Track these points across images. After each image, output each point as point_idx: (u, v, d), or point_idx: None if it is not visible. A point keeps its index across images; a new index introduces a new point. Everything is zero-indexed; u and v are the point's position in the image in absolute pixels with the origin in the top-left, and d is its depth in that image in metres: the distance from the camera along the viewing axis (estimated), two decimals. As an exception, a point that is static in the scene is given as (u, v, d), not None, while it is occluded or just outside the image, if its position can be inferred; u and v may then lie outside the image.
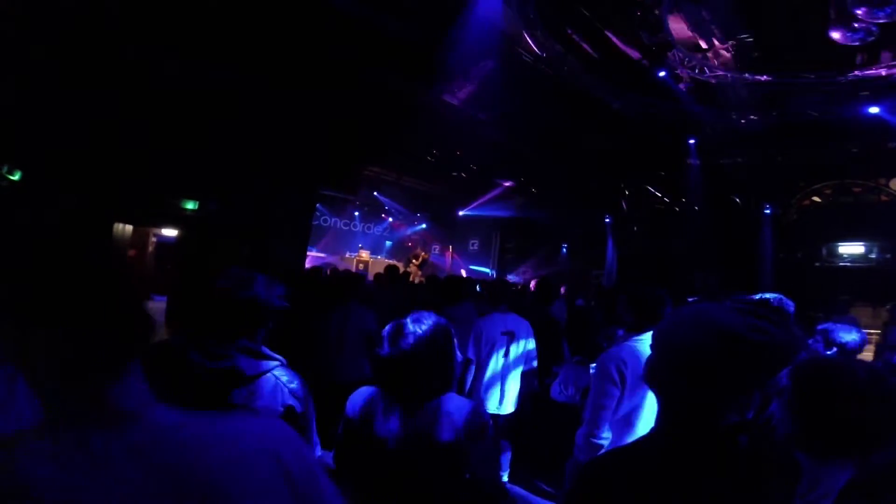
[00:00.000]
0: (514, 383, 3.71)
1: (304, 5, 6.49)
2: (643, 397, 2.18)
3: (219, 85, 6.85)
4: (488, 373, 3.62)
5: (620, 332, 2.89)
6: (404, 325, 1.61)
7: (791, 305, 2.52)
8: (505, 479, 3.81)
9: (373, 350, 3.45)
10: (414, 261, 12.96)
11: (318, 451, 1.72)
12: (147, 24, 5.86)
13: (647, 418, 2.18)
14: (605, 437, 2.15)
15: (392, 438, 1.56)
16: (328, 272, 6.44)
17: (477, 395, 3.61)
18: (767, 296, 2.50)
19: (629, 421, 2.19)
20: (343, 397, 1.74)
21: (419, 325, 1.60)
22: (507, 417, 3.75)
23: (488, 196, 14.73)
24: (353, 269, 12.08)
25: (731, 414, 0.95)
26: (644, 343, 2.24)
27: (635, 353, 2.21)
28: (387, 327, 1.65)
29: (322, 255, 13.68)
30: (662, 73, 8.37)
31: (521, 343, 3.73)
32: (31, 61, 5.41)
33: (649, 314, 2.30)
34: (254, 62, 6.75)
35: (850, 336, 2.50)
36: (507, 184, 14.37)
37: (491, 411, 3.62)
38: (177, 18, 5.95)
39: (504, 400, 3.67)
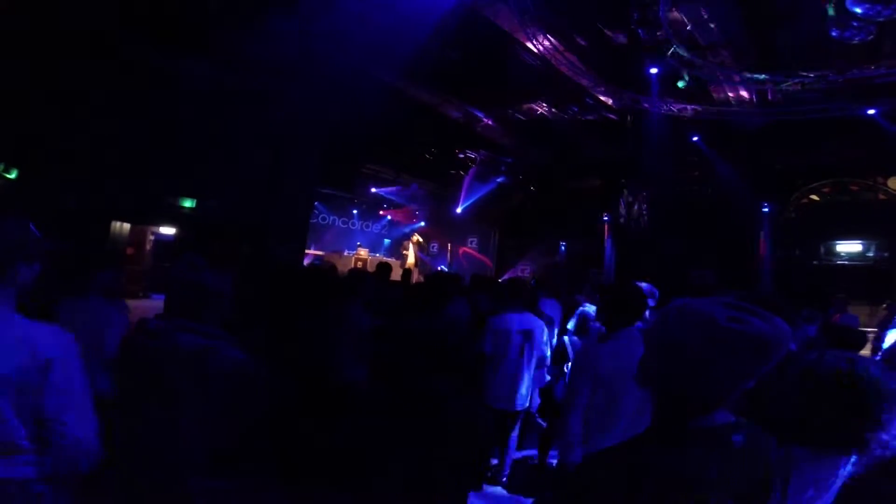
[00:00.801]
0: (527, 381, 3.76)
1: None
2: (620, 396, 2.17)
3: (217, 83, 6.84)
4: (503, 370, 3.66)
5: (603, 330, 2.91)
6: (407, 324, 1.63)
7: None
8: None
9: (366, 350, 3.45)
10: (404, 252, 12.89)
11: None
12: (145, 22, 5.84)
13: (625, 417, 2.16)
14: (575, 434, 2.15)
15: (393, 438, 1.57)
16: (327, 269, 6.42)
17: (491, 391, 3.66)
18: None
19: (607, 420, 2.18)
20: (340, 398, 1.75)
21: (422, 324, 1.63)
22: (516, 415, 3.79)
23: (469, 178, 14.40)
24: (352, 267, 12.07)
25: (724, 413, 0.95)
26: (622, 341, 2.24)
27: (612, 351, 2.21)
28: (392, 325, 1.67)
29: (320, 252, 13.68)
30: (654, 70, 8.36)
31: (536, 342, 3.77)
32: (28, 60, 5.40)
33: (625, 312, 2.30)
34: (253, 61, 6.74)
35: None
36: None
37: (503, 408, 3.68)
38: (176, 17, 5.93)
39: (517, 397, 3.72)
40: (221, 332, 1.67)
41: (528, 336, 3.73)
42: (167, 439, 1.58)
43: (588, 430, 2.19)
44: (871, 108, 8.56)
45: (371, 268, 12.39)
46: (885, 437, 1.17)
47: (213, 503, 1.63)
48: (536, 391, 3.99)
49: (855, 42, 6.81)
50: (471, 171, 14.02)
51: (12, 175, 5.98)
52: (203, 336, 1.63)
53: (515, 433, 3.87)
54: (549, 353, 3.97)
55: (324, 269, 6.34)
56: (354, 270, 6.89)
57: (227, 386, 1.60)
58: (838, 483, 1.17)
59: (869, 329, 6.51)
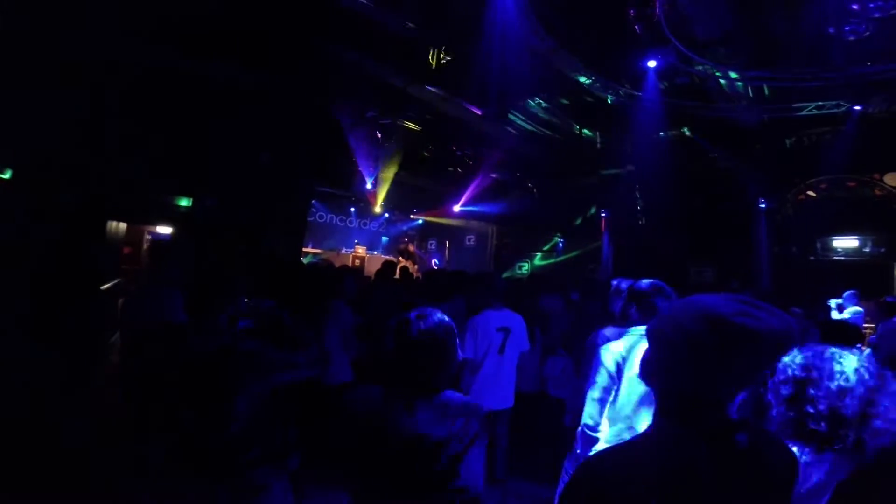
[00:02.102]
0: (510, 379, 3.72)
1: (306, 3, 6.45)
2: (639, 391, 2.16)
3: (214, 81, 6.79)
4: (485, 369, 3.61)
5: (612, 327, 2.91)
6: (409, 321, 1.60)
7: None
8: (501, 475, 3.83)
9: (351, 348, 3.49)
10: (402, 258, 12.90)
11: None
12: (142, 20, 5.79)
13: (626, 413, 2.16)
14: (601, 431, 2.15)
15: (391, 435, 1.56)
16: (324, 267, 6.38)
17: (474, 391, 3.60)
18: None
19: (629, 415, 2.17)
20: (329, 399, 1.77)
21: (423, 321, 1.60)
22: (504, 413, 3.75)
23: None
24: (350, 265, 12.05)
25: (729, 411, 0.94)
26: (640, 336, 2.24)
27: (632, 347, 2.21)
28: (390, 322, 1.65)
29: (318, 251, 13.66)
30: (653, 63, 8.34)
31: (516, 339, 3.73)
32: (24, 58, 5.35)
33: (650, 308, 2.27)
34: (250, 58, 6.70)
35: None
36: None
37: (488, 407, 3.62)
38: (172, 14, 5.89)
39: (501, 396, 3.68)
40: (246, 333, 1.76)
41: (508, 333, 3.68)
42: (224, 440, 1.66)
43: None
44: (859, 106, 8.62)
45: (369, 265, 12.37)
46: (878, 424, 1.16)
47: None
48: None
49: (851, 39, 6.82)
50: (468, 169, 14.00)
51: (7, 175, 5.94)
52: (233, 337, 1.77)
53: (503, 430, 3.83)
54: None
55: (321, 267, 6.32)
56: (342, 268, 6.84)
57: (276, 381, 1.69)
58: (835, 479, 1.17)
59: (866, 325, 6.54)
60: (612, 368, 2.17)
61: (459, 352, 1.68)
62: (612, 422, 2.17)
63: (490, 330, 3.64)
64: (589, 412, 2.18)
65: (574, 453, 2.27)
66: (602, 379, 2.19)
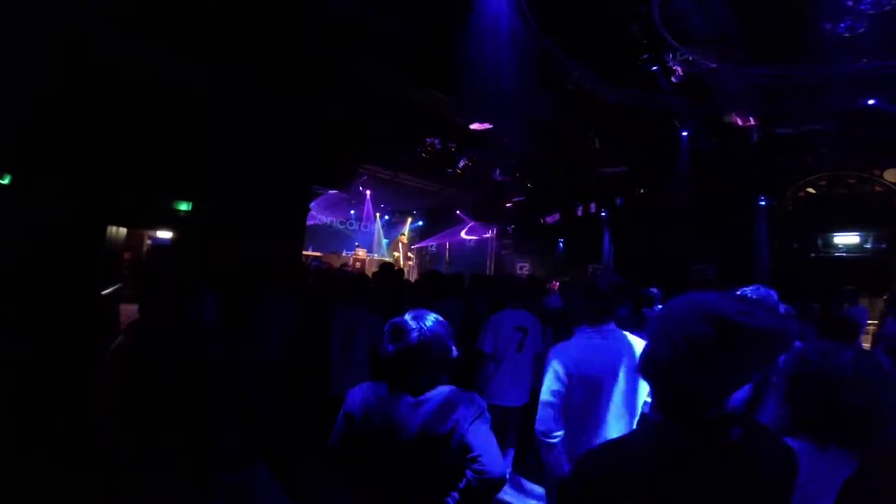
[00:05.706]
0: (526, 377, 3.80)
1: (299, 3, 6.46)
2: (596, 393, 2.11)
3: (212, 84, 6.81)
4: (502, 366, 3.72)
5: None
6: (405, 322, 1.64)
7: (774, 295, 2.46)
8: (509, 470, 3.84)
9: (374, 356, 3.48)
10: (395, 253, 12.99)
11: None
12: (140, 22, 5.81)
13: (605, 414, 2.11)
14: (557, 436, 2.09)
15: (393, 429, 1.56)
16: (325, 270, 6.39)
17: (490, 387, 3.71)
18: (747, 289, 2.45)
19: (582, 417, 2.12)
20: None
21: (420, 321, 1.63)
22: (518, 410, 3.81)
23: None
24: (350, 268, 12.07)
25: (725, 406, 0.94)
26: (601, 337, 2.19)
27: (587, 348, 2.17)
28: (387, 325, 1.68)
29: (318, 253, 13.67)
30: (655, 68, 8.35)
31: (533, 338, 3.83)
32: (20, 62, 5.36)
33: (604, 306, 2.22)
34: (248, 60, 6.71)
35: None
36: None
37: (503, 404, 3.71)
38: (170, 17, 5.90)
39: (516, 393, 3.76)
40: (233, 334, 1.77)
41: (526, 333, 3.78)
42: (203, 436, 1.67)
43: (567, 428, 2.14)
44: (868, 98, 8.58)
45: (369, 268, 12.39)
46: (881, 417, 1.15)
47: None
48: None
49: (846, 35, 6.83)
50: (467, 170, 14.02)
51: (5, 180, 5.95)
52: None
53: (514, 426, 3.87)
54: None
55: (325, 270, 6.32)
56: (331, 271, 6.81)
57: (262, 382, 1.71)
58: (840, 477, 1.16)
59: (870, 321, 6.52)
60: (561, 370, 2.12)
61: (454, 350, 1.70)
62: (568, 424, 2.12)
63: (508, 328, 3.75)
64: (542, 417, 2.12)
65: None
66: (553, 382, 2.13)
